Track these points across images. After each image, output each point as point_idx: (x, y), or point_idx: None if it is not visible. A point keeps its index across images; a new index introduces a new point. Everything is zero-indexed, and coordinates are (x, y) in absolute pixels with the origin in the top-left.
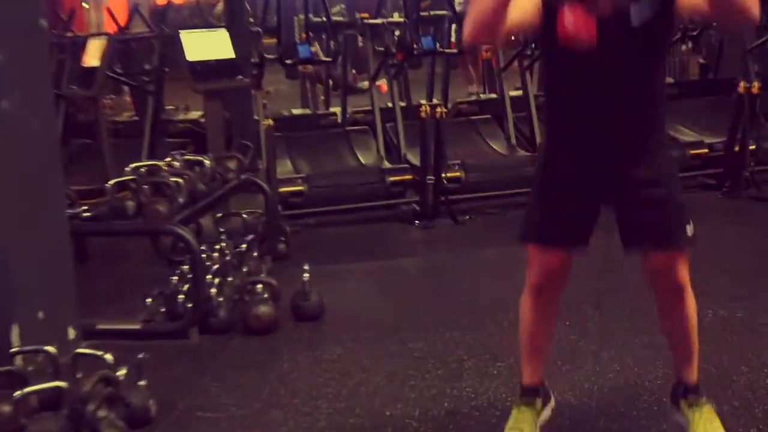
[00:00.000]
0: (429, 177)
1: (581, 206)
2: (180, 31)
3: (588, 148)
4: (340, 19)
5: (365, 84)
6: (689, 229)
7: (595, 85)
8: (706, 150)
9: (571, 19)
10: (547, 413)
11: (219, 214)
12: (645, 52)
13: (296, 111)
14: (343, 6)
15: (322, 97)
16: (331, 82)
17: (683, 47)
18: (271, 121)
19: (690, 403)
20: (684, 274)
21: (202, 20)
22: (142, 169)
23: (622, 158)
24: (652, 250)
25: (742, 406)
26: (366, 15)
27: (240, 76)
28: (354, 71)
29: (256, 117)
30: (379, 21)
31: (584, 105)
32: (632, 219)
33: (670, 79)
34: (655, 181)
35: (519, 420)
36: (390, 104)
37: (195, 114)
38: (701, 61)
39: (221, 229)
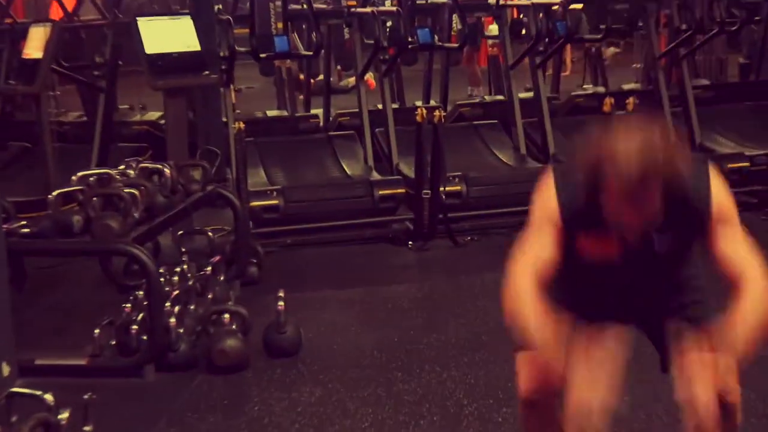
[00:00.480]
0: (425, 191)
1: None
2: (137, 18)
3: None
4: (323, 6)
5: (351, 81)
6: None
7: (618, 287)
8: (746, 163)
9: (590, 246)
10: None
11: (180, 232)
12: (672, 265)
13: (271, 113)
14: None
15: (302, 97)
16: (312, 80)
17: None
18: (242, 125)
19: None
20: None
21: (164, 6)
22: (92, 179)
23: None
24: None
25: None
26: (353, 2)
27: (206, 72)
28: (339, 67)
29: (224, 119)
30: (368, 10)
31: (606, 297)
32: (663, 334)
33: (704, 81)
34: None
35: None
36: (380, 106)
37: (153, 115)
38: (741, 60)
39: (183, 249)
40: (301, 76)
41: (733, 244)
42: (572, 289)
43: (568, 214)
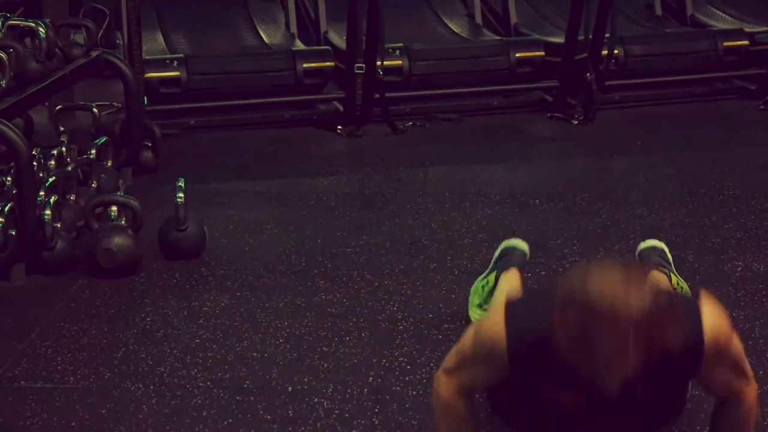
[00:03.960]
0: (358, 65)
1: None
2: None
3: None
4: None
5: None
6: None
7: None
8: (745, 42)
9: (548, 391)
10: None
11: (59, 107)
12: (657, 416)
13: None
14: None
15: None
16: None
17: None
18: None
19: None
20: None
21: None
22: None
23: None
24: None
25: None
26: None
27: None
28: None
29: None
30: None
31: None
32: None
33: None
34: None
35: None
36: None
37: None
38: None
39: (61, 128)
40: None
41: (725, 378)
42: None
43: (517, 348)
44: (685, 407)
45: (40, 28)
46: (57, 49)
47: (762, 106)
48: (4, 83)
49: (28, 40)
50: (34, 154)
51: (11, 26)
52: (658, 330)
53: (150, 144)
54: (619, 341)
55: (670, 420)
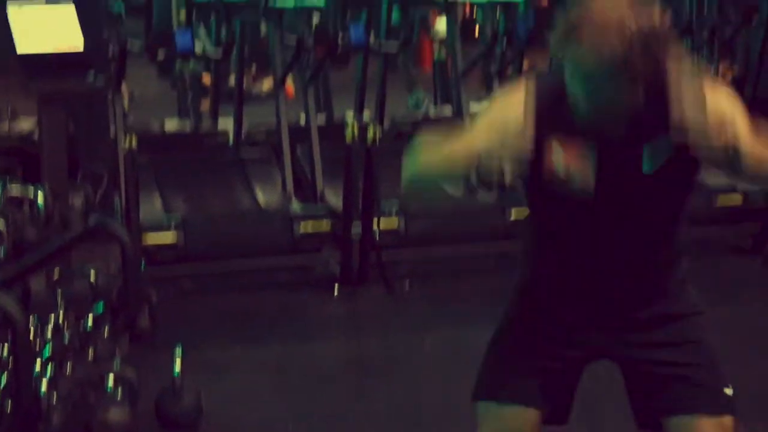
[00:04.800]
0: (355, 226)
1: (562, 353)
2: (8, 2)
3: (575, 319)
4: None
5: (267, 85)
6: (728, 391)
7: (590, 242)
8: (739, 198)
9: (560, 157)
10: None
11: (56, 272)
12: (659, 204)
13: (170, 125)
14: None
15: (208, 105)
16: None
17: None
18: (134, 141)
19: None
20: None
21: None
22: None
23: (625, 327)
24: (676, 415)
25: None
26: None
27: (92, 74)
28: (254, 68)
29: (113, 133)
30: (289, 3)
31: (573, 265)
32: (644, 381)
33: None
34: (677, 339)
35: None
36: (303, 119)
37: (26, 124)
38: (734, 73)
39: (59, 294)
40: (207, 79)
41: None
42: (534, 260)
43: (539, 120)
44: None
45: (39, 195)
46: (55, 216)
47: (759, 264)
48: (2, 253)
49: (26, 207)
50: (30, 324)
51: (10, 193)
52: (658, 42)
53: (147, 309)
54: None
55: (682, 198)
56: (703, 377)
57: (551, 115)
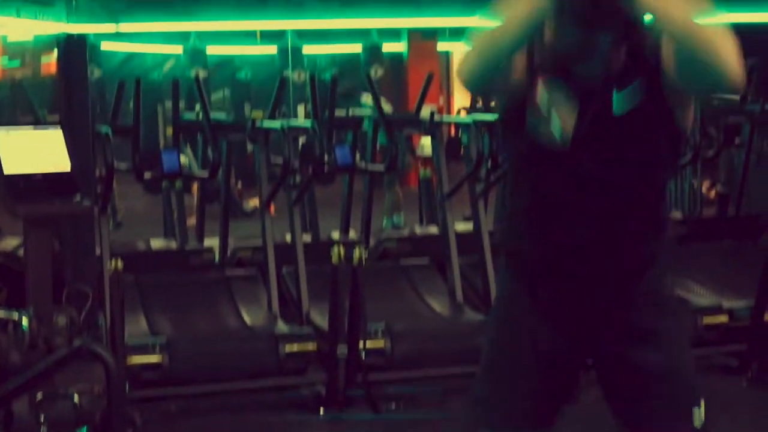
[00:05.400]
0: (341, 347)
1: (549, 366)
2: None
3: (562, 283)
4: (222, 117)
5: (254, 203)
6: (698, 415)
7: (571, 193)
8: (725, 318)
9: (545, 97)
10: None
11: (39, 395)
12: (634, 148)
13: (156, 243)
14: (227, 92)
15: (194, 222)
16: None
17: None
18: (119, 263)
19: None
20: None
21: (29, 113)
22: None
23: (608, 296)
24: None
25: None
26: (259, 114)
27: (78, 197)
28: (240, 185)
29: (98, 251)
30: (276, 125)
31: (555, 221)
32: (618, 390)
33: (677, 214)
34: (652, 335)
35: None
36: (289, 238)
37: (10, 243)
38: (719, 189)
39: (41, 418)
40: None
41: None
42: (516, 240)
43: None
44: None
45: (24, 318)
46: (40, 340)
47: (745, 384)
48: None
49: (11, 330)
50: None
51: None
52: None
53: (131, 431)
54: None
55: (654, 145)
56: (672, 394)
57: (541, 57)
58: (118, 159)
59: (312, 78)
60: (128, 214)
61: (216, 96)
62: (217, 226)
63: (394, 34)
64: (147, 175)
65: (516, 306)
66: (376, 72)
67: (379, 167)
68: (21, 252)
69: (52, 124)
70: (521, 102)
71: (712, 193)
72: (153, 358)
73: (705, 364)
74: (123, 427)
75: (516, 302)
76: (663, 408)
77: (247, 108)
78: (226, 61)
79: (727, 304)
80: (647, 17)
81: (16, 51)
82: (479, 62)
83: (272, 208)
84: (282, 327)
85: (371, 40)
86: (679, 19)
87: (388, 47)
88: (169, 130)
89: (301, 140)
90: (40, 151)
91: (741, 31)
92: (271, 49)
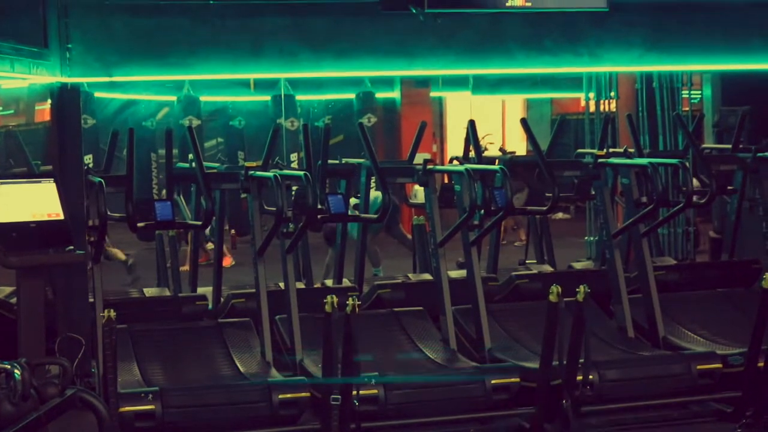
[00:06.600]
0: (334, 396)
1: None
2: None
3: None
4: (216, 167)
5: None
6: None
7: None
8: (719, 365)
9: None
10: None
11: None
12: None
13: (149, 291)
14: (221, 140)
15: (187, 269)
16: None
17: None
18: (112, 313)
19: None
20: None
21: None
22: None
23: None
24: None
25: None
26: (253, 165)
27: (71, 247)
28: (233, 231)
29: (91, 299)
30: (268, 174)
31: None
32: None
33: (670, 260)
34: None
35: None
36: (282, 286)
37: (3, 291)
38: (713, 234)
39: None
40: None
41: None
42: None
43: None
44: None
45: (16, 371)
46: (32, 390)
47: (739, 430)
48: None
49: (2, 379)
50: None
51: None
52: None
53: None
54: None
55: None
56: None
57: None
58: (111, 208)
59: (305, 127)
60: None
61: (209, 144)
62: (211, 274)
63: (387, 82)
64: (140, 224)
65: None
66: (369, 120)
67: (372, 216)
68: (14, 300)
69: (45, 176)
70: None
71: (708, 237)
72: (146, 407)
73: (698, 412)
74: None
75: None
76: None
77: (240, 156)
78: (219, 110)
79: (720, 350)
80: None
81: (9, 100)
82: None
83: (228, 259)
84: (275, 374)
85: (364, 88)
86: None
87: (381, 95)
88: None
89: (294, 188)
90: (33, 201)
91: (734, 80)
92: (265, 98)
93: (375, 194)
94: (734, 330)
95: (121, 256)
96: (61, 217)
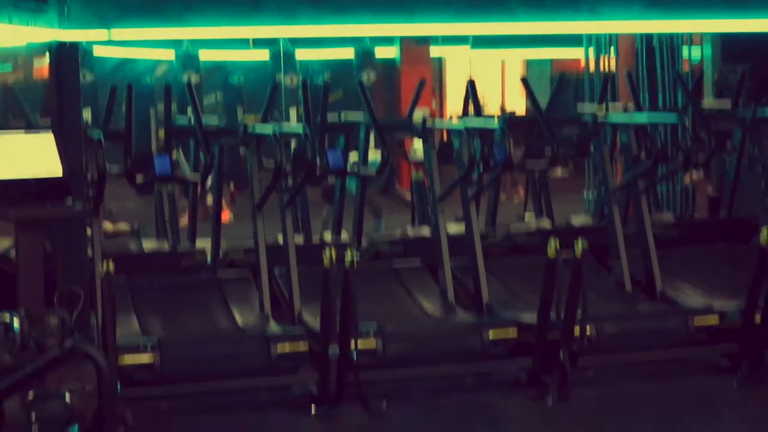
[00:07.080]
0: (332, 347)
1: None
2: None
3: None
4: (214, 122)
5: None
6: None
7: None
8: (716, 319)
9: None
10: None
11: (31, 394)
12: None
13: (148, 244)
14: (219, 95)
15: (186, 224)
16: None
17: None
18: (111, 264)
19: None
20: None
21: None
22: None
23: None
24: None
25: None
26: (251, 119)
27: (70, 200)
28: (233, 187)
29: (90, 253)
30: (267, 129)
31: None
32: None
33: (668, 216)
34: None
35: None
36: (281, 240)
37: (2, 244)
38: (711, 192)
39: (33, 417)
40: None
41: None
42: None
43: None
44: None
45: (15, 320)
46: (31, 340)
47: (736, 383)
48: None
49: (2, 331)
50: None
51: None
52: None
53: (122, 430)
54: None
55: None
56: None
57: None
58: (110, 162)
59: (304, 83)
60: (120, 213)
61: (208, 100)
62: (209, 228)
63: (386, 39)
64: (139, 179)
65: None
66: (369, 77)
67: (371, 171)
68: (13, 253)
69: (44, 128)
70: None
71: (707, 193)
72: (144, 358)
73: (695, 366)
74: (114, 425)
75: None
76: None
77: (239, 112)
78: (218, 66)
79: (718, 305)
80: None
81: (7, 55)
82: None
83: (227, 213)
84: (274, 327)
85: (363, 45)
86: None
87: (381, 52)
88: (162, 134)
89: (294, 144)
90: (32, 154)
91: (733, 38)
92: (264, 54)
93: (374, 156)
94: (732, 284)
95: (125, 227)
96: (60, 171)
